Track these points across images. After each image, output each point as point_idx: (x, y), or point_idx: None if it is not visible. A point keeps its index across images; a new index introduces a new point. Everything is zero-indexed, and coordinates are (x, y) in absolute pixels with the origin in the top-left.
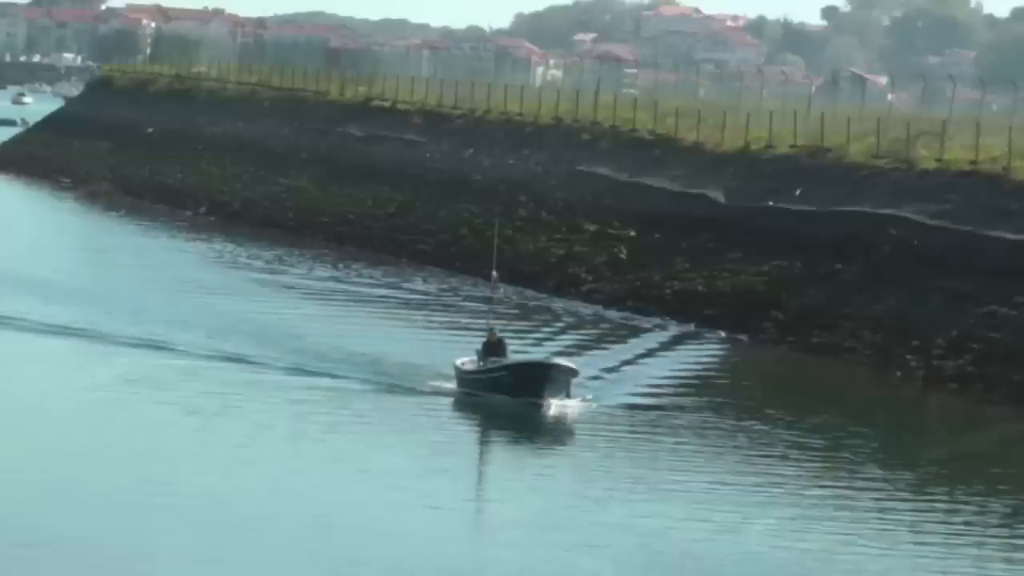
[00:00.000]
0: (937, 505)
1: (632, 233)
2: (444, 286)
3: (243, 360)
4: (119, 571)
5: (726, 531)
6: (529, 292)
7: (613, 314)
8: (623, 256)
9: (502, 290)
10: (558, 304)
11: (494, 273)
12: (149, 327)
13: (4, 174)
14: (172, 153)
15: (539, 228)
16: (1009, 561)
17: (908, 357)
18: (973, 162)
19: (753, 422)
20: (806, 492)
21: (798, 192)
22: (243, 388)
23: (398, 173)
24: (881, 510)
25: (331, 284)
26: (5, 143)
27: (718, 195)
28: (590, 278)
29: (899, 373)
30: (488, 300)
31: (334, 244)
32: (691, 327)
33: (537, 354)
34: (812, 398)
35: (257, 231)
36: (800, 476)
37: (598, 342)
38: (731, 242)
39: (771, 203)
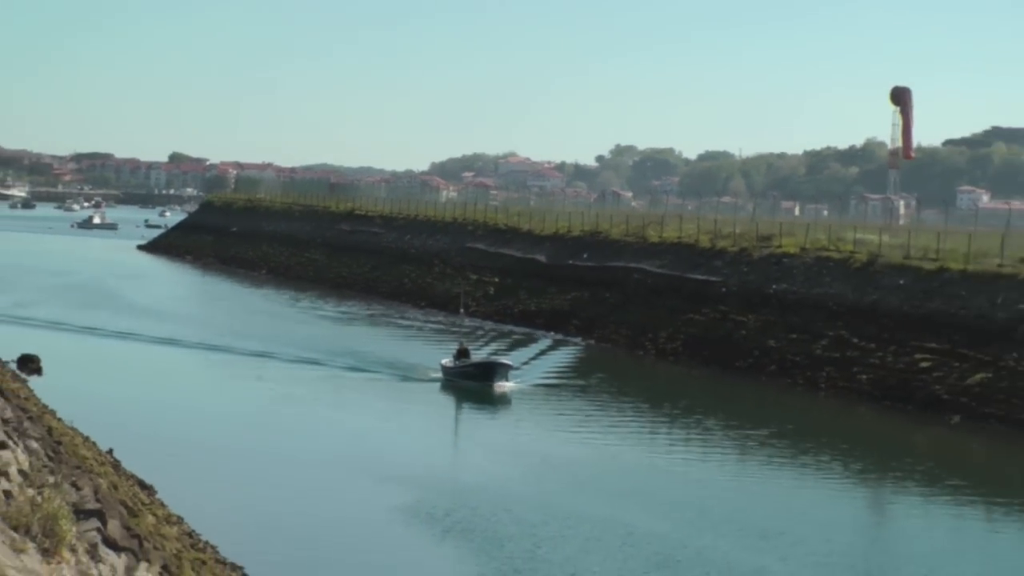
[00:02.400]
0: (668, 419)
1: (496, 279)
2: (393, 311)
3: (313, 362)
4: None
5: (581, 444)
6: (441, 313)
7: (523, 329)
8: (492, 292)
9: (467, 320)
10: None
11: (461, 310)
12: (232, 337)
13: (155, 254)
14: (246, 241)
15: (445, 278)
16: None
17: (647, 343)
18: (679, 238)
19: (590, 386)
20: (614, 417)
21: (585, 255)
22: (310, 374)
23: (369, 250)
24: (643, 422)
25: (337, 311)
26: (156, 238)
27: (542, 258)
28: (474, 304)
29: (642, 352)
30: (460, 325)
31: (334, 289)
32: (561, 336)
33: (488, 356)
34: (601, 368)
35: (292, 283)
36: (613, 407)
37: (514, 347)
38: (550, 283)
39: (570, 262)
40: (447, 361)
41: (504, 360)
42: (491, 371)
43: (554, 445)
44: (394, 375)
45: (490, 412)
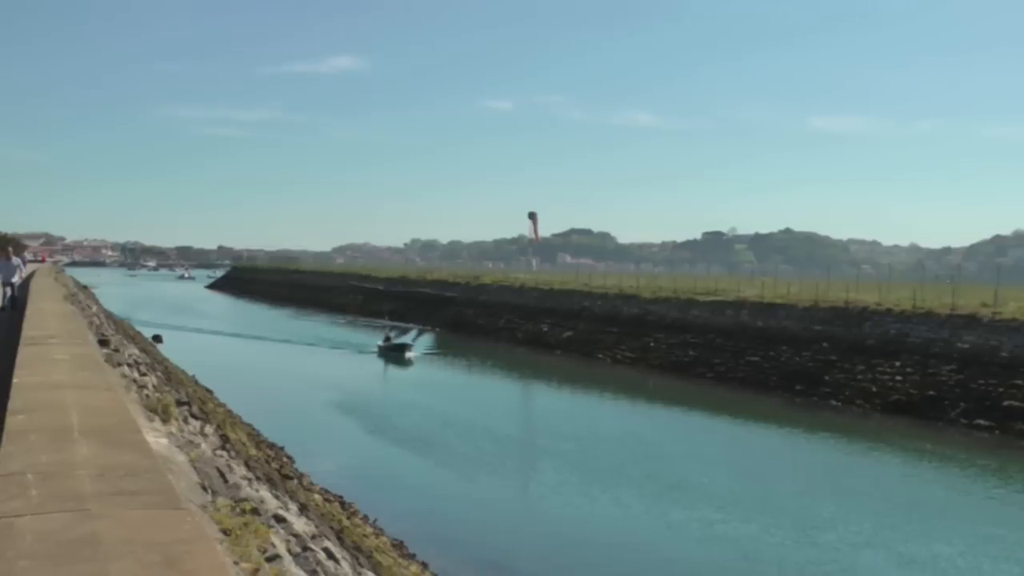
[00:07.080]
0: (465, 361)
1: (361, 297)
2: (325, 316)
3: (308, 343)
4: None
5: (435, 376)
6: (338, 315)
7: (403, 324)
8: (360, 304)
9: (388, 319)
10: (352, 318)
11: (387, 316)
12: (248, 328)
13: (212, 290)
14: (252, 283)
15: (339, 296)
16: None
17: (428, 323)
18: (440, 278)
19: (441, 353)
20: (450, 364)
21: (399, 287)
22: (299, 348)
23: (306, 285)
24: (460, 363)
25: (290, 313)
26: (211, 283)
27: (381, 287)
28: (352, 308)
29: (437, 330)
30: (384, 325)
31: (289, 303)
32: (424, 326)
33: (396, 338)
34: (441, 344)
35: (273, 301)
36: (446, 359)
37: (401, 334)
38: (385, 298)
39: (393, 289)
40: (380, 343)
41: (408, 342)
42: (402, 348)
43: (426, 378)
44: (350, 348)
45: (401, 368)
